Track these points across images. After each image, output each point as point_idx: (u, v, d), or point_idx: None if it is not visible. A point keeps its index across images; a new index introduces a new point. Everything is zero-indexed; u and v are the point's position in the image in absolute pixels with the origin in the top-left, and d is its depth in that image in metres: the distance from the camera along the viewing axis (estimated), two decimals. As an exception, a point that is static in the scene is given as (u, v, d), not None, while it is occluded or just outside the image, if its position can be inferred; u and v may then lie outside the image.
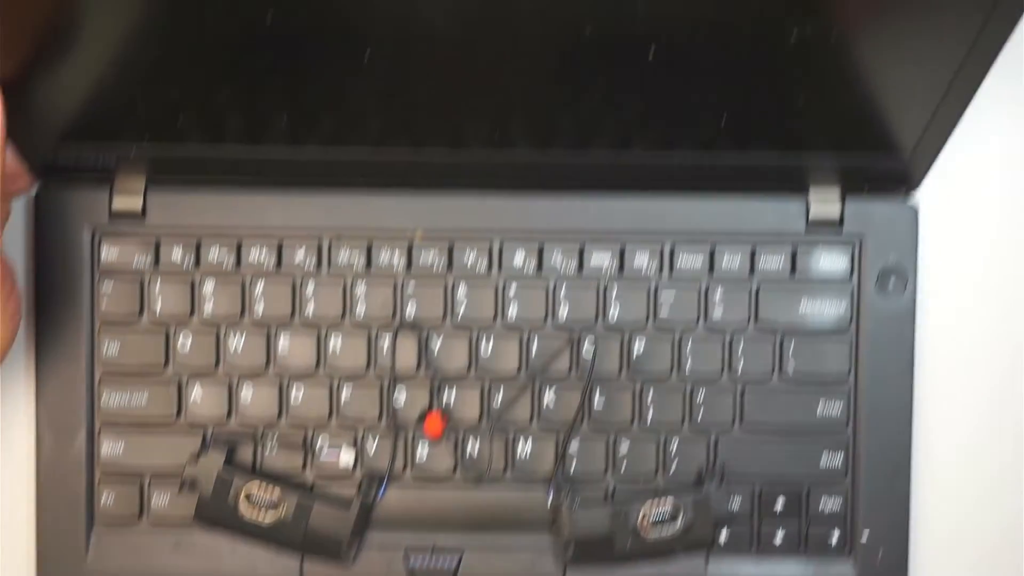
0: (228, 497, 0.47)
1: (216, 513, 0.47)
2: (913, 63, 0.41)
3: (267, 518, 0.47)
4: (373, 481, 0.48)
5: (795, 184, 0.47)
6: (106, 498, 0.48)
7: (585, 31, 0.40)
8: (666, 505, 0.47)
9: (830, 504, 0.48)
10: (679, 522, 0.47)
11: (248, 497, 0.47)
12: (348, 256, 0.48)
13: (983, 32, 0.39)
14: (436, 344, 0.48)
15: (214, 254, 0.48)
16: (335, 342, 0.48)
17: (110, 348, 0.48)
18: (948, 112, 0.43)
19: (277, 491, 0.47)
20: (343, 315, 0.48)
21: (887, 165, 0.46)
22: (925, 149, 0.45)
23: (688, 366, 0.48)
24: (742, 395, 0.48)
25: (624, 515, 0.47)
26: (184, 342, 0.48)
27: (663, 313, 0.48)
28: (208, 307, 0.48)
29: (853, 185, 0.47)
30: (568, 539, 0.47)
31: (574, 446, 0.48)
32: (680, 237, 0.48)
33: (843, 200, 0.48)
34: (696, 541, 0.47)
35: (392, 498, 0.48)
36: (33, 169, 0.46)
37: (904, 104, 0.43)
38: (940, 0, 0.39)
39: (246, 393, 0.48)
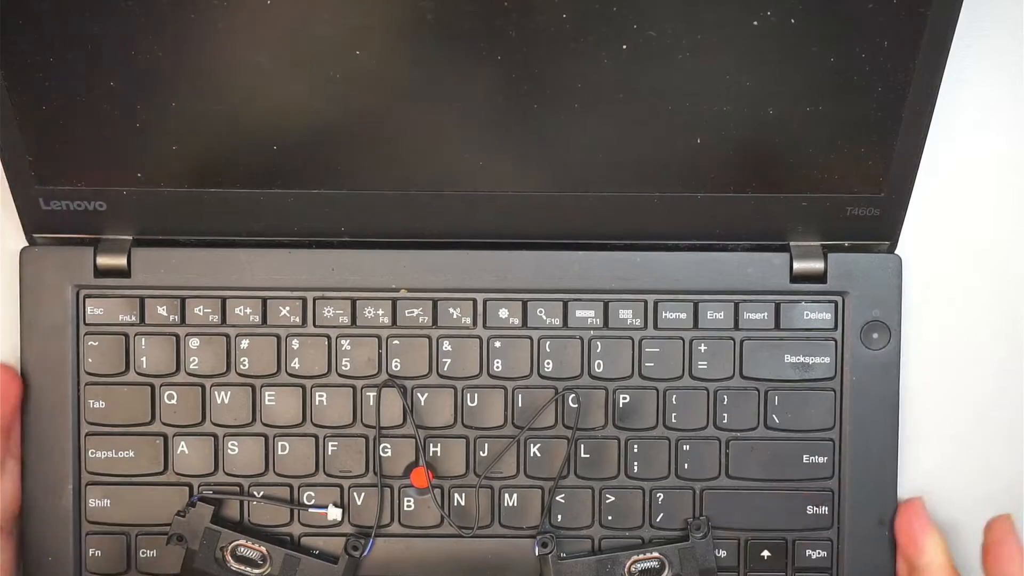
0: (215, 552, 0.47)
1: (203, 569, 0.47)
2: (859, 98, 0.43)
3: (254, 574, 0.47)
4: (360, 536, 0.48)
5: (776, 236, 0.47)
6: (93, 552, 0.48)
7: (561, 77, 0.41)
8: (652, 559, 0.47)
9: (816, 554, 0.48)
10: (665, 573, 0.47)
11: (235, 553, 0.47)
12: (333, 312, 0.48)
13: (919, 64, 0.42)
14: (421, 398, 0.48)
15: (199, 311, 0.48)
16: (320, 397, 0.48)
17: (96, 404, 0.48)
18: (908, 146, 0.44)
19: (264, 548, 0.47)
20: (328, 370, 0.48)
21: (862, 211, 0.46)
22: (896, 190, 0.46)
23: (673, 418, 0.48)
24: (727, 447, 0.48)
25: (610, 567, 0.47)
26: (170, 398, 0.48)
27: (648, 367, 0.48)
28: (193, 363, 0.48)
29: (834, 237, 0.47)
30: None
31: (560, 497, 0.48)
32: (663, 293, 0.48)
33: (825, 255, 0.48)
34: (682, 594, 0.47)
35: (380, 549, 0.48)
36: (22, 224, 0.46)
37: (864, 140, 0.44)
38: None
39: (232, 448, 0.48)
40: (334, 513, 0.48)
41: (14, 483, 0.47)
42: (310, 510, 0.48)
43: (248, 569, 0.47)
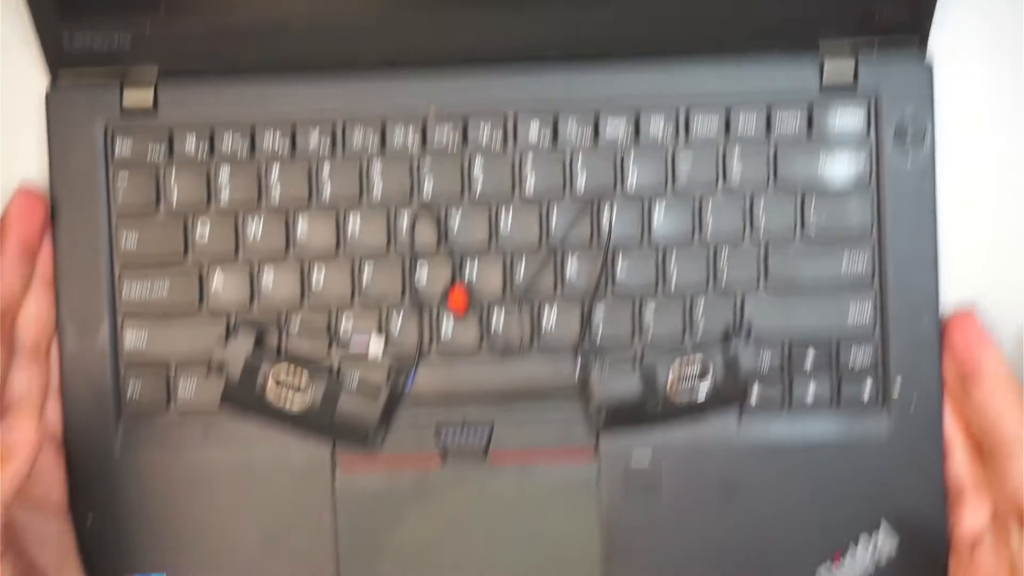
0: (256, 382, 0.46)
1: (244, 398, 0.47)
2: None
3: (295, 404, 0.47)
4: (401, 367, 0.47)
5: (806, 42, 0.47)
6: (132, 389, 0.47)
7: None
8: (695, 364, 0.46)
9: (860, 357, 0.48)
10: (708, 381, 0.47)
11: (277, 381, 0.47)
12: (363, 137, 0.48)
13: None
14: (455, 220, 0.48)
15: (228, 142, 0.48)
16: (354, 223, 0.48)
17: (128, 240, 0.47)
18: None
19: (305, 375, 0.47)
20: (360, 196, 0.48)
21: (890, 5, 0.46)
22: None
23: (709, 229, 0.48)
24: (765, 254, 0.48)
25: (653, 378, 0.46)
26: (202, 231, 0.48)
27: (681, 177, 0.48)
28: (225, 195, 0.48)
29: (863, 33, 0.47)
30: (598, 405, 0.46)
31: (599, 314, 0.48)
32: (694, 101, 0.48)
33: (856, 57, 0.47)
34: (726, 399, 0.47)
35: (420, 376, 0.48)
36: (47, 61, 0.46)
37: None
38: None
39: (267, 278, 0.48)
40: (375, 346, 0.47)
41: (48, 306, 0.47)
42: (352, 336, 0.48)
43: (289, 400, 0.47)
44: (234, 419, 0.47)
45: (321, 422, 0.47)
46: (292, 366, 0.47)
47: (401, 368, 0.47)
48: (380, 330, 0.48)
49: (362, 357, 0.48)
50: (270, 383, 0.46)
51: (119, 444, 0.47)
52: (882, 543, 0.48)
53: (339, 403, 0.47)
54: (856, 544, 0.48)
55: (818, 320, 0.48)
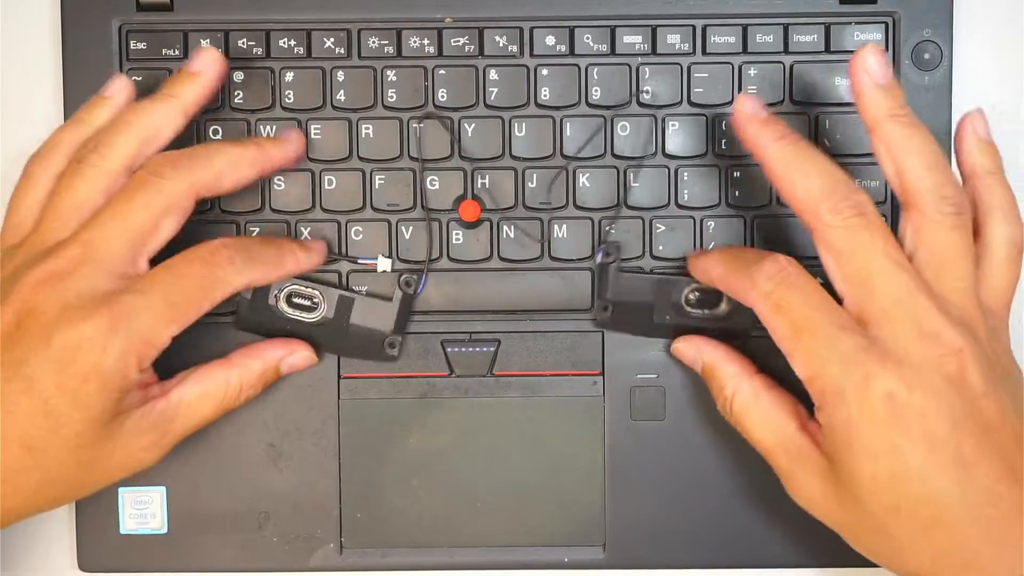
0: (268, 299, 0.46)
1: (257, 317, 0.46)
2: None
3: (309, 318, 0.47)
4: (413, 272, 0.47)
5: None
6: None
7: None
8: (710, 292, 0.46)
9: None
10: (722, 305, 0.46)
11: (289, 299, 0.46)
12: (377, 43, 0.47)
13: None
14: (468, 130, 0.47)
15: (243, 44, 0.47)
16: (367, 130, 0.47)
17: (141, 141, 0.47)
18: None
19: (318, 290, 0.47)
20: (374, 102, 0.47)
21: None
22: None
23: (723, 145, 0.47)
24: (778, 174, 0.47)
25: (669, 287, 0.46)
26: (215, 133, 0.47)
27: (697, 92, 0.47)
28: (238, 97, 0.47)
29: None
30: (610, 299, 0.46)
31: (610, 228, 0.47)
32: (712, 17, 0.47)
33: (874, -28, 0.47)
34: (735, 328, 0.46)
35: (429, 285, 0.48)
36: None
37: None
38: None
39: (278, 183, 0.47)
40: (383, 264, 0.47)
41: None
42: (359, 261, 0.48)
43: (302, 314, 0.47)
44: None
45: (337, 332, 0.47)
46: (304, 284, 0.46)
47: (412, 271, 0.47)
48: (390, 240, 0.47)
49: (371, 270, 0.47)
50: (283, 300, 0.46)
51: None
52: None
53: (353, 311, 0.47)
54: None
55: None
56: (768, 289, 0.40)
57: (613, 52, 0.47)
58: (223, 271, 0.42)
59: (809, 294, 0.40)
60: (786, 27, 0.47)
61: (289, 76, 0.47)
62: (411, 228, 0.48)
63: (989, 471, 0.37)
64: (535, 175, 0.47)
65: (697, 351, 0.45)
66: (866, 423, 0.38)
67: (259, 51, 0.47)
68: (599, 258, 0.47)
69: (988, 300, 0.41)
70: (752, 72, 0.47)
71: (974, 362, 0.38)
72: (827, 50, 0.47)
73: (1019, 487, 0.37)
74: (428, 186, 0.47)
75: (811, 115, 0.47)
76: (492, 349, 0.47)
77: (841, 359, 0.38)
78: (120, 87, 0.44)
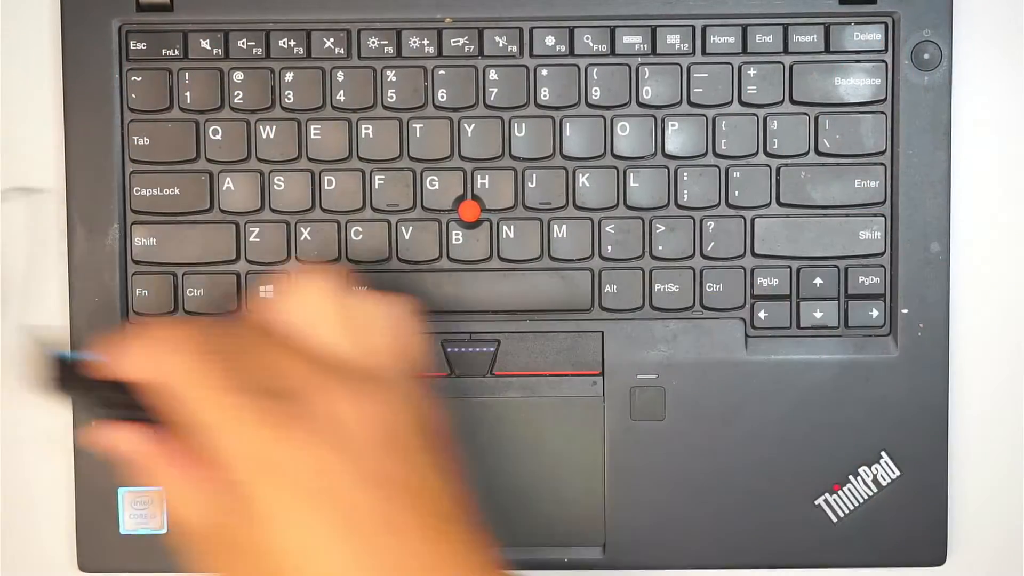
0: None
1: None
2: None
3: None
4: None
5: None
6: (140, 292, 0.47)
7: None
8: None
9: (869, 281, 0.47)
10: None
11: None
12: (377, 43, 0.47)
13: None
14: (468, 130, 0.47)
15: (243, 44, 0.47)
16: (366, 130, 0.47)
17: (140, 141, 0.47)
18: None
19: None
20: (374, 103, 0.47)
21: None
22: None
23: (723, 145, 0.47)
24: (777, 173, 0.47)
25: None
26: (214, 133, 0.47)
27: (696, 93, 0.47)
28: (238, 97, 0.47)
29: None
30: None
31: (610, 228, 0.47)
32: (711, 18, 0.47)
33: (876, -26, 0.47)
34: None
35: (429, 284, 0.48)
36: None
37: None
38: None
39: (278, 183, 0.48)
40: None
41: None
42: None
43: None
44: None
45: None
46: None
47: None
48: (390, 240, 0.47)
49: (370, 259, 0.47)
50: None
51: (126, 344, 0.47)
52: (881, 475, 0.48)
53: None
54: (856, 475, 0.48)
55: (828, 242, 0.47)
56: None
57: (613, 52, 0.47)
58: None
59: None
60: (786, 27, 0.47)
61: (289, 76, 0.47)
62: (411, 228, 0.48)
63: None
64: (535, 175, 0.47)
65: None
66: None
67: (259, 51, 0.47)
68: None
69: None
70: (752, 72, 0.47)
71: None
72: (827, 50, 0.47)
73: None
74: (428, 186, 0.47)
75: (811, 115, 0.47)
76: (492, 349, 0.47)
77: None
78: None
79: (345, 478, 0.35)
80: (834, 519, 0.48)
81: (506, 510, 0.48)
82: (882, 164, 0.47)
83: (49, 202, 0.48)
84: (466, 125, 0.47)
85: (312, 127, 0.47)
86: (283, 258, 0.48)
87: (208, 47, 0.47)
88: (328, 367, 0.37)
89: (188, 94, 0.47)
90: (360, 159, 0.47)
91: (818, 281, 0.47)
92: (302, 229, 0.48)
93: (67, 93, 0.47)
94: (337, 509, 0.35)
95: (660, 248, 0.48)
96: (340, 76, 0.47)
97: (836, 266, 0.48)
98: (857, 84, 0.47)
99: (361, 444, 0.36)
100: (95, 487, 0.47)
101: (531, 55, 0.47)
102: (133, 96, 0.47)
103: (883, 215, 0.47)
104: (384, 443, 0.36)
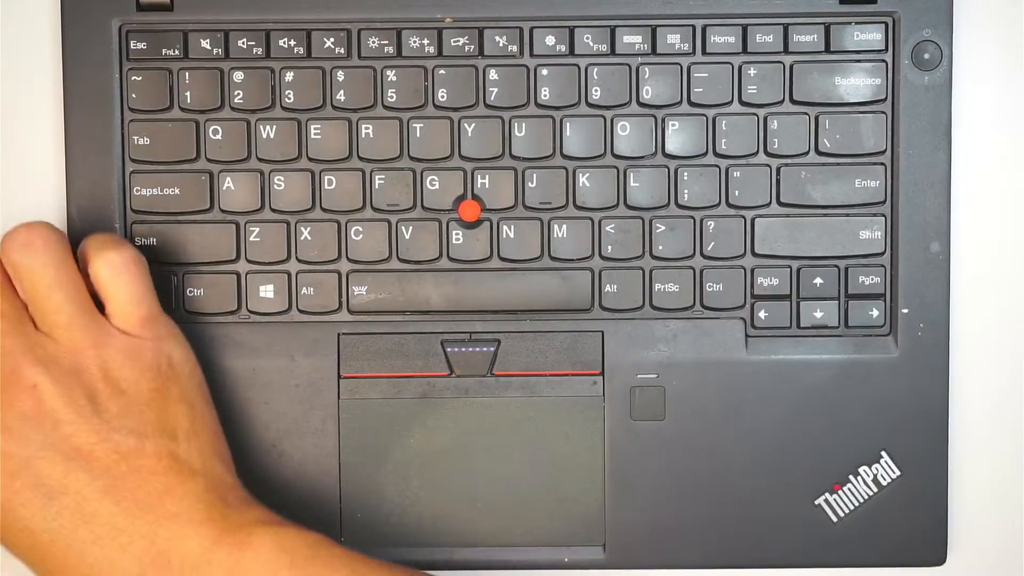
0: None
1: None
2: None
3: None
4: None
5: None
6: (141, 291, 0.47)
7: None
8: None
9: (869, 280, 0.47)
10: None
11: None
12: (378, 43, 0.47)
13: None
14: (468, 129, 0.47)
15: (243, 44, 0.47)
16: (367, 130, 0.47)
17: (140, 140, 0.47)
18: None
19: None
20: (374, 102, 0.47)
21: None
22: None
23: (723, 145, 0.47)
24: (778, 173, 0.47)
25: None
26: (214, 133, 0.47)
27: (696, 92, 0.47)
28: (238, 97, 0.47)
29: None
30: None
31: (610, 228, 0.47)
32: (711, 17, 0.47)
33: (876, -26, 0.47)
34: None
35: (428, 284, 0.48)
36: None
37: None
38: None
39: (278, 183, 0.48)
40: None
41: None
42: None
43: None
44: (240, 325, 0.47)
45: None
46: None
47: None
48: (390, 240, 0.48)
49: (370, 260, 0.47)
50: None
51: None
52: (881, 475, 0.48)
53: None
54: (856, 475, 0.48)
55: (828, 242, 0.47)
56: None
57: (613, 52, 0.47)
58: None
59: None
60: (786, 27, 0.47)
61: (289, 76, 0.47)
62: (411, 228, 0.48)
63: None
64: (535, 175, 0.47)
65: None
66: None
67: (259, 51, 0.47)
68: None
69: None
70: (752, 72, 0.47)
71: None
72: (827, 50, 0.47)
73: None
74: (428, 186, 0.47)
75: (811, 115, 0.47)
76: (492, 349, 0.47)
77: None
78: None
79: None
80: (834, 519, 0.48)
81: (506, 510, 0.48)
82: (882, 164, 0.47)
83: (49, 201, 0.48)
84: (466, 125, 0.47)
85: (312, 127, 0.47)
86: (283, 258, 0.48)
87: (208, 47, 0.47)
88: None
89: (188, 94, 0.47)
90: (360, 159, 0.47)
91: (818, 281, 0.48)
92: (302, 229, 0.48)
93: (67, 93, 0.47)
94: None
95: (660, 248, 0.48)
96: (340, 76, 0.47)
97: (836, 266, 0.48)
98: (857, 84, 0.47)
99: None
100: None
101: (531, 55, 0.47)
102: (133, 96, 0.47)
103: (883, 215, 0.47)
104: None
